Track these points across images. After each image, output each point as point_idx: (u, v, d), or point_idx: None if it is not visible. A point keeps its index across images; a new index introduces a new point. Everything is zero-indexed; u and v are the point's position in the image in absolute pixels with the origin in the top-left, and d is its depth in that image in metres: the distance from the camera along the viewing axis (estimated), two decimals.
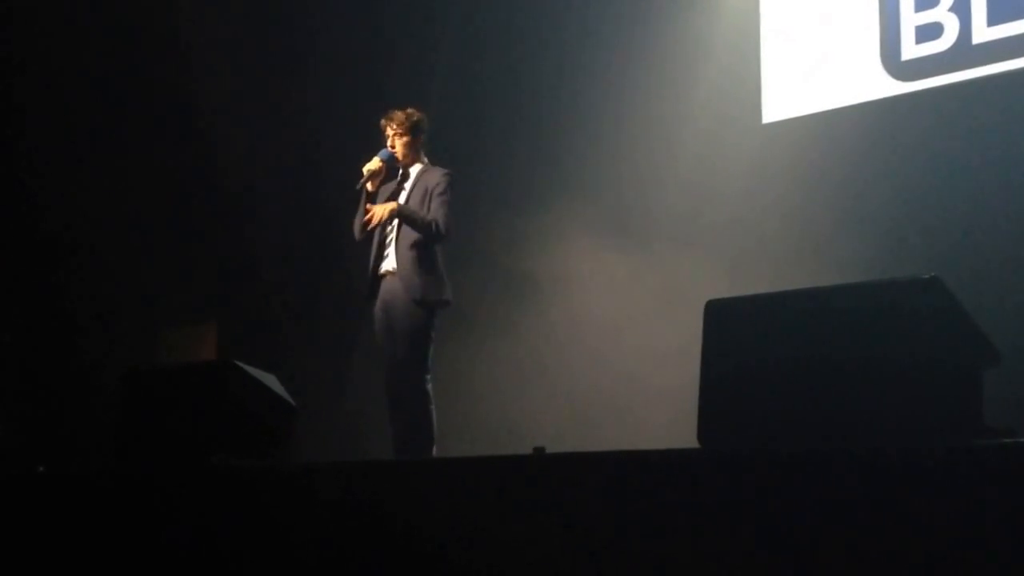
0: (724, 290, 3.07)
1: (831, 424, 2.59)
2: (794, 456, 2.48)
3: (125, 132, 7.18)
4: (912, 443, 2.42)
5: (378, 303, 5.03)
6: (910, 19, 5.55)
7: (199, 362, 5.83)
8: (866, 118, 5.63)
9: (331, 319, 6.96)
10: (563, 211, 6.55)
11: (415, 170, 5.13)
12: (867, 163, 5.58)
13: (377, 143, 5.15)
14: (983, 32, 5.29)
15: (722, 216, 5.98)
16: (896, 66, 5.58)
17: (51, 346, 7.02)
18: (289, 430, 3.89)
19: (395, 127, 5.09)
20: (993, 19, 5.26)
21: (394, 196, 5.10)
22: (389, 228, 5.04)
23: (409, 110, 5.14)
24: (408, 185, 5.10)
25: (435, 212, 4.95)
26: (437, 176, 5.05)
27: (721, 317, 2.86)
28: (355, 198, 5.11)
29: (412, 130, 5.10)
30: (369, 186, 5.03)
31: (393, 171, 5.16)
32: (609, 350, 6.18)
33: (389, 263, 5.02)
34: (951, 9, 5.40)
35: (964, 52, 5.34)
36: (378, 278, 5.05)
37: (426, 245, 4.97)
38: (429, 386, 4.90)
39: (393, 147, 5.09)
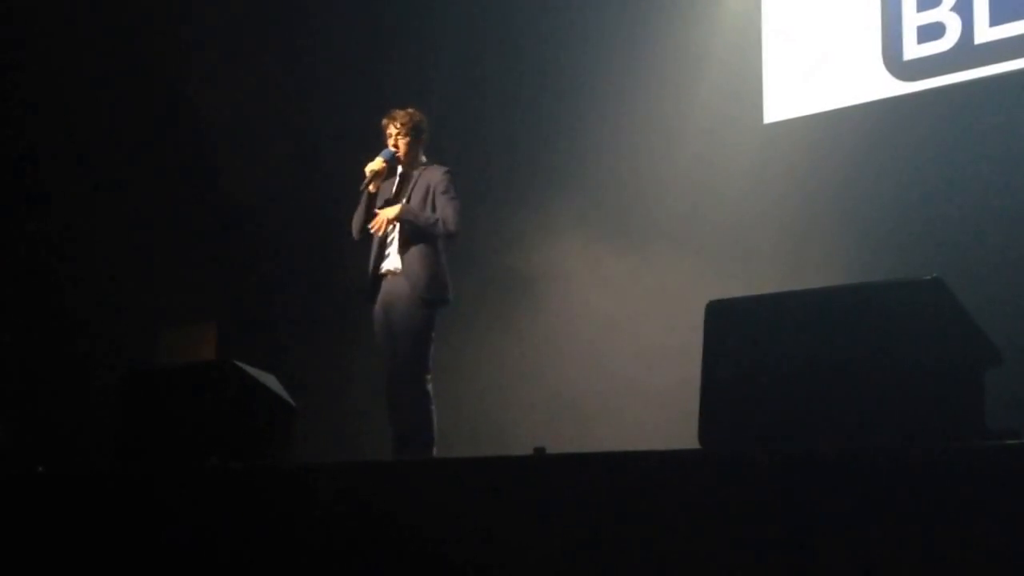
0: (725, 290, 3.07)
1: (832, 425, 2.59)
2: (795, 457, 2.48)
3: (125, 132, 7.19)
4: (913, 444, 2.41)
5: (378, 303, 5.03)
6: (912, 19, 5.54)
7: (199, 362, 5.82)
8: (868, 118, 5.62)
9: (331, 319, 6.96)
10: (564, 211, 6.54)
11: (416, 169, 5.13)
12: (869, 163, 5.57)
13: (377, 143, 5.14)
14: (985, 32, 5.28)
15: (723, 216, 5.98)
16: (898, 66, 5.57)
17: (51, 346, 7.02)
18: (289, 430, 3.88)
19: (398, 126, 5.08)
20: (995, 19, 5.25)
21: (395, 196, 5.09)
22: (390, 228, 5.03)
23: (411, 110, 5.13)
24: (409, 185, 5.09)
25: (442, 210, 4.94)
26: (438, 175, 5.04)
27: (722, 318, 2.85)
28: (356, 198, 5.11)
29: (414, 130, 5.10)
30: (371, 187, 5.03)
31: (393, 169, 5.15)
32: (610, 350, 6.17)
33: (390, 263, 5.01)
34: (953, 9, 5.39)
35: (966, 52, 5.33)
36: (378, 278, 5.05)
37: (430, 244, 4.96)
38: (429, 386, 4.90)
39: (396, 147, 5.08)
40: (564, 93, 6.63)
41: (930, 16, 5.48)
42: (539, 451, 2.97)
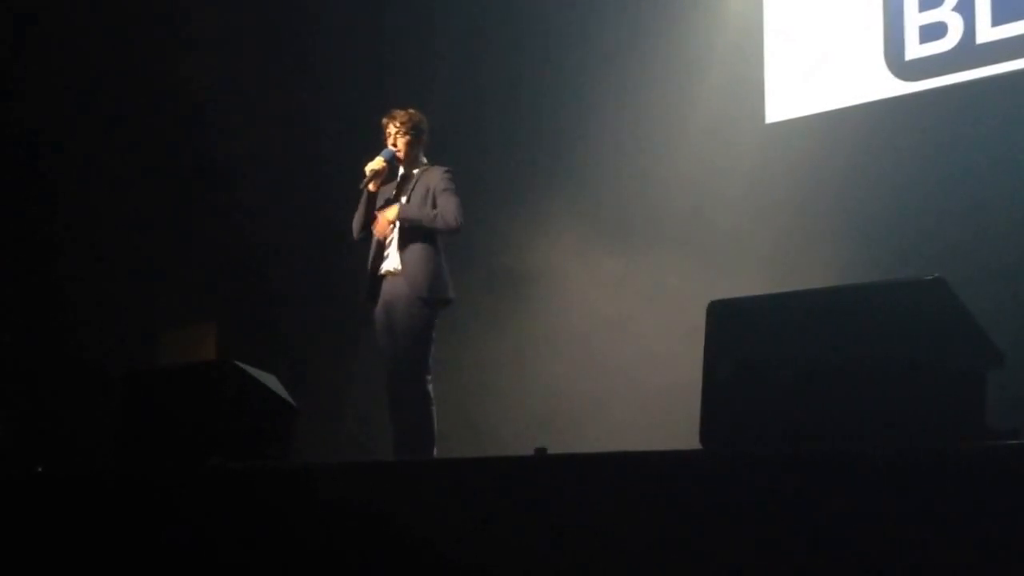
0: (727, 290, 3.06)
1: (834, 425, 2.58)
2: (797, 457, 2.47)
3: (125, 132, 7.18)
4: (915, 444, 2.41)
5: (379, 304, 5.02)
6: (914, 19, 5.53)
7: (199, 362, 5.81)
8: (869, 118, 5.61)
9: (331, 319, 6.95)
10: (565, 211, 6.54)
11: (416, 170, 5.12)
12: (871, 163, 5.57)
13: (377, 143, 5.13)
14: (987, 32, 5.27)
15: (724, 216, 5.97)
16: (900, 66, 5.56)
17: (51, 346, 7.02)
18: (290, 430, 3.88)
19: (398, 126, 5.08)
20: (997, 19, 5.24)
21: (395, 196, 5.09)
22: (390, 228, 5.03)
23: (411, 110, 5.13)
24: (409, 185, 5.09)
25: (443, 206, 4.94)
26: (438, 174, 5.04)
27: (724, 318, 2.85)
28: (356, 198, 5.11)
29: (414, 129, 5.09)
30: (371, 186, 5.02)
31: (394, 171, 5.15)
32: (612, 351, 6.17)
33: (390, 263, 5.01)
34: (955, 9, 5.38)
35: (968, 52, 5.32)
36: (378, 279, 5.04)
37: (429, 243, 4.95)
38: (430, 387, 4.89)
39: (395, 146, 5.08)
40: (565, 93, 6.63)
41: (932, 16, 5.47)
42: (540, 451, 2.97)
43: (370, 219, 5.07)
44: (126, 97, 7.17)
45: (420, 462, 4.12)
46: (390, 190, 5.13)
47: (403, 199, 5.04)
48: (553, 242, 6.55)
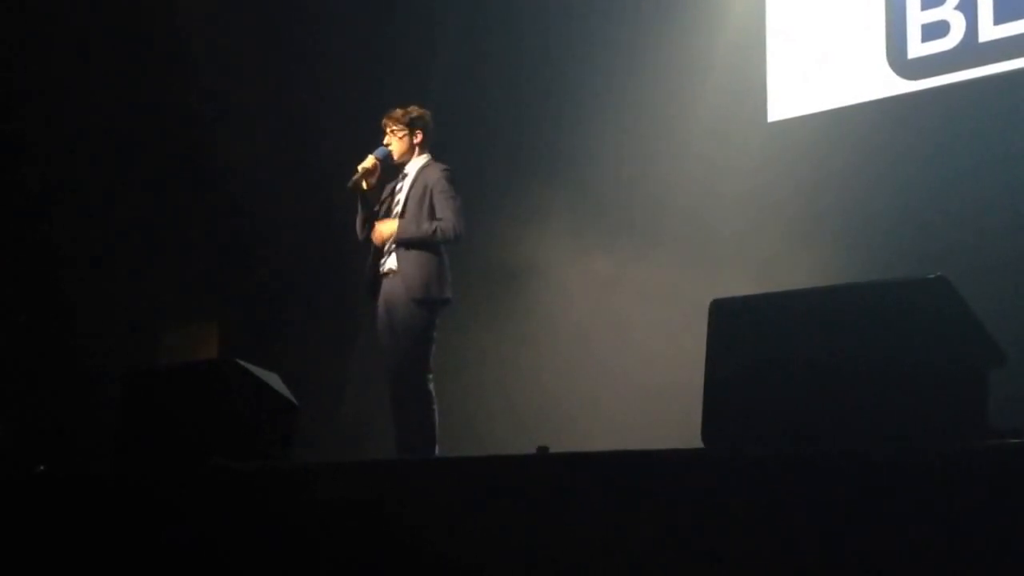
0: (729, 288, 3.05)
1: (835, 423, 2.57)
2: (799, 456, 2.47)
3: (125, 132, 7.17)
4: (917, 444, 2.40)
5: (380, 303, 5.02)
6: (916, 17, 5.52)
7: (200, 361, 5.80)
8: (872, 117, 5.61)
9: (332, 319, 6.95)
10: (567, 211, 6.53)
11: (414, 167, 5.12)
12: (873, 162, 5.56)
13: (378, 142, 5.14)
14: (990, 30, 5.27)
15: (726, 214, 5.97)
16: (902, 64, 5.55)
17: (51, 347, 7.01)
18: (292, 429, 3.87)
19: (392, 124, 5.09)
20: (1000, 17, 5.23)
21: (393, 194, 5.09)
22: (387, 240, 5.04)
23: (410, 107, 5.13)
24: (407, 183, 5.08)
25: (441, 212, 4.93)
26: (436, 173, 5.03)
27: (726, 316, 2.84)
28: (356, 197, 5.10)
29: (410, 124, 5.09)
30: (364, 184, 5.02)
31: (394, 169, 5.15)
32: (615, 350, 6.17)
33: (390, 262, 5.00)
34: (957, 7, 5.37)
35: (970, 50, 5.32)
36: (379, 277, 5.04)
37: (429, 244, 4.95)
38: (431, 386, 4.89)
39: (389, 144, 5.08)
40: (566, 93, 6.63)
41: (934, 14, 5.47)
42: (542, 450, 2.96)
43: (369, 218, 5.07)
44: (126, 97, 7.16)
45: (421, 461, 4.12)
46: (390, 188, 5.13)
47: (399, 197, 5.04)
48: (555, 241, 6.54)
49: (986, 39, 5.28)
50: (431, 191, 4.97)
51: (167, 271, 7.22)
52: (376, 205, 5.12)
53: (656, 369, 5.79)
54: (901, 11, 5.56)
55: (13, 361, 6.87)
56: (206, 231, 7.41)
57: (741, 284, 3.56)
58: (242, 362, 3.80)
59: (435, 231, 4.90)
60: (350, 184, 5.00)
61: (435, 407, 4.88)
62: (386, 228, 4.98)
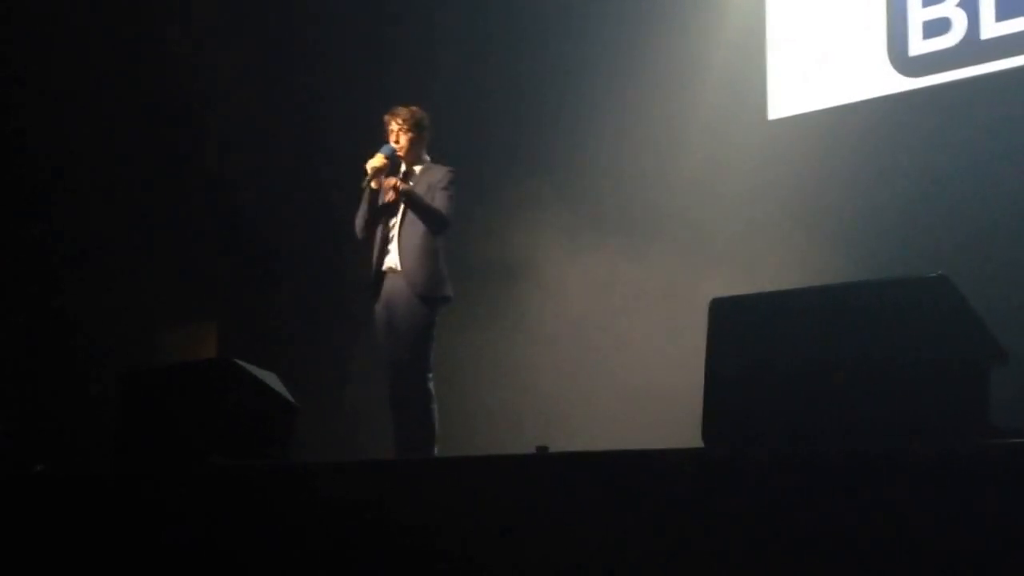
0: (729, 287, 3.05)
1: (836, 423, 2.57)
2: (799, 456, 2.46)
3: (125, 131, 7.16)
4: (918, 443, 2.39)
5: (380, 301, 5.02)
6: (917, 14, 5.51)
7: (199, 361, 5.80)
8: (873, 114, 5.60)
9: (331, 318, 6.95)
10: (567, 210, 6.52)
11: (418, 167, 5.11)
12: (874, 160, 5.55)
13: (378, 142, 5.12)
14: (991, 27, 5.26)
15: (727, 213, 5.96)
16: (903, 62, 5.54)
17: (50, 346, 7.00)
18: (290, 429, 3.86)
19: (399, 123, 5.07)
20: (1001, 14, 5.22)
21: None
22: (392, 223, 5.03)
23: (413, 107, 5.12)
24: (410, 182, 5.07)
25: (438, 203, 4.94)
26: (440, 173, 5.04)
27: (726, 315, 2.84)
28: (357, 197, 5.10)
29: (416, 126, 5.08)
30: (373, 184, 5.01)
31: (395, 168, 5.14)
32: (615, 349, 6.16)
33: (392, 259, 5.00)
34: (959, 4, 5.36)
35: (972, 48, 5.31)
36: (382, 275, 5.03)
37: (429, 242, 4.95)
38: (431, 385, 4.89)
39: (397, 142, 5.07)
40: (567, 91, 6.62)
41: (936, 11, 5.45)
42: (542, 449, 2.96)
43: (373, 217, 5.06)
44: (126, 96, 7.16)
45: (421, 461, 4.11)
46: (391, 186, 5.12)
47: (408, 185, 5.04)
48: (553, 240, 6.53)
49: (988, 36, 5.27)
50: (435, 188, 4.98)
51: (166, 271, 7.22)
52: (380, 203, 5.09)
53: (656, 368, 5.77)
54: (902, 8, 5.55)
55: (12, 361, 6.87)
56: (205, 231, 7.41)
57: (741, 283, 3.55)
58: (241, 362, 3.79)
59: (436, 209, 4.92)
60: (364, 184, 4.99)
61: (435, 406, 4.88)
62: (395, 180, 4.98)
